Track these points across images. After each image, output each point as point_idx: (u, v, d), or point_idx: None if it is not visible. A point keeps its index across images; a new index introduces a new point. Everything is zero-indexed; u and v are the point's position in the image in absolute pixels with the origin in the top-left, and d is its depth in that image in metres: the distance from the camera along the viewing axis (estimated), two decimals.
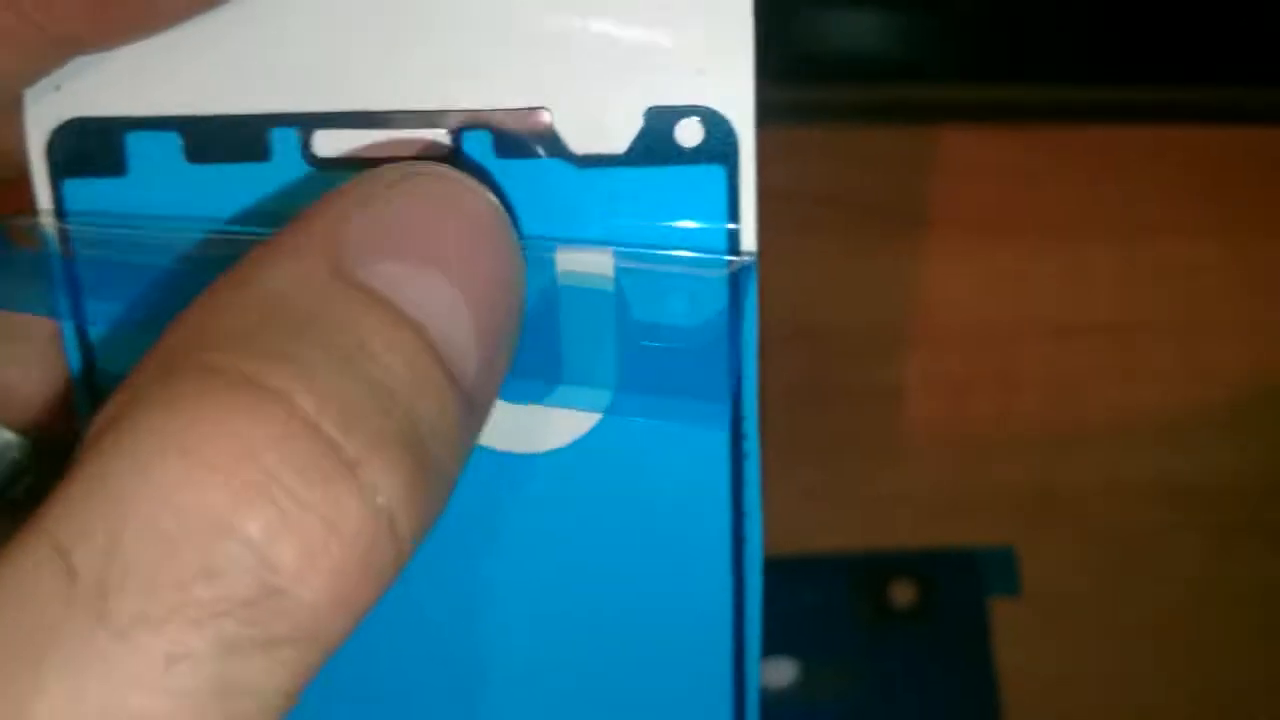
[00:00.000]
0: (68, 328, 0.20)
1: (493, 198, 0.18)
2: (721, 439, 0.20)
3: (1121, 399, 0.52)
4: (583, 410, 0.20)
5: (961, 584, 0.50)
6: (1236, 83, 0.53)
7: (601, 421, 0.20)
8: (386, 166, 0.17)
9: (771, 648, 0.47)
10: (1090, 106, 0.54)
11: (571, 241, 0.19)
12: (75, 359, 0.21)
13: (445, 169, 0.17)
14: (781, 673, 0.49)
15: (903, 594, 0.50)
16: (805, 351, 0.51)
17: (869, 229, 0.53)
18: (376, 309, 0.16)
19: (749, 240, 0.19)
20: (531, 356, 0.19)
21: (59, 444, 0.22)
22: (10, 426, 0.22)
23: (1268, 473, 0.51)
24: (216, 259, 0.19)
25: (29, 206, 0.20)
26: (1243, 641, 0.49)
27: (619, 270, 0.19)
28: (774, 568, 0.46)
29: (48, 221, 0.20)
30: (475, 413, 0.17)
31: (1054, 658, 0.49)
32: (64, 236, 0.19)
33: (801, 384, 0.51)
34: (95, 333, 0.20)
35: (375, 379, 0.16)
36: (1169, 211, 0.53)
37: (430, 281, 0.16)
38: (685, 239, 0.19)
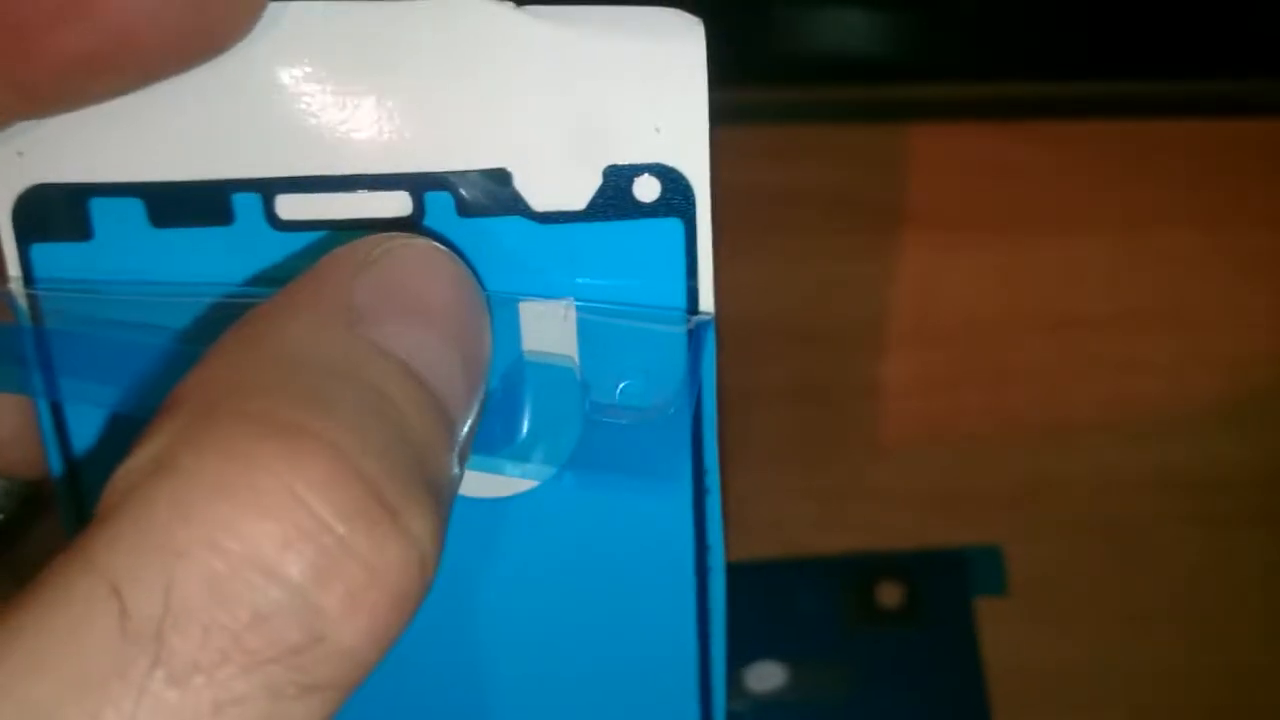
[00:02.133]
0: (42, 405, 0.22)
1: (459, 262, 0.20)
2: (685, 487, 0.22)
3: (1114, 392, 0.54)
4: (542, 479, 0.22)
5: (948, 584, 0.52)
6: (1221, 76, 0.56)
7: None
8: (374, 235, 0.19)
9: (759, 652, 0.49)
10: (1077, 101, 0.57)
11: (534, 294, 0.21)
12: (50, 435, 0.22)
13: (424, 239, 0.19)
14: (769, 677, 0.50)
15: (890, 595, 0.52)
16: (794, 350, 0.53)
17: (858, 227, 0.55)
18: (390, 364, 0.18)
19: (707, 298, 0.21)
20: (493, 426, 0.20)
21: (33, 487, 0.24)
22: None
23: (1263, 463, 0.53)
24: (191, 327, 0.21)
25: None
26: (1239, 634, 0.51)
27: (581, 325, 0.21)
28: (761, 572, 0.49)
29: (19, 293, 0.21)
30: (464, 462, 0.19)
31: (1047, 653, 0.51)
32: (36, 309, 0.21)
33: (790, 383, 0.54)
34: (69, 408, 0.22)
35: (400, 428, 0.17)
36: (1158, 204, 0.55)
37: (429, 340, 0.18)
38: (645, 292, 0.21)
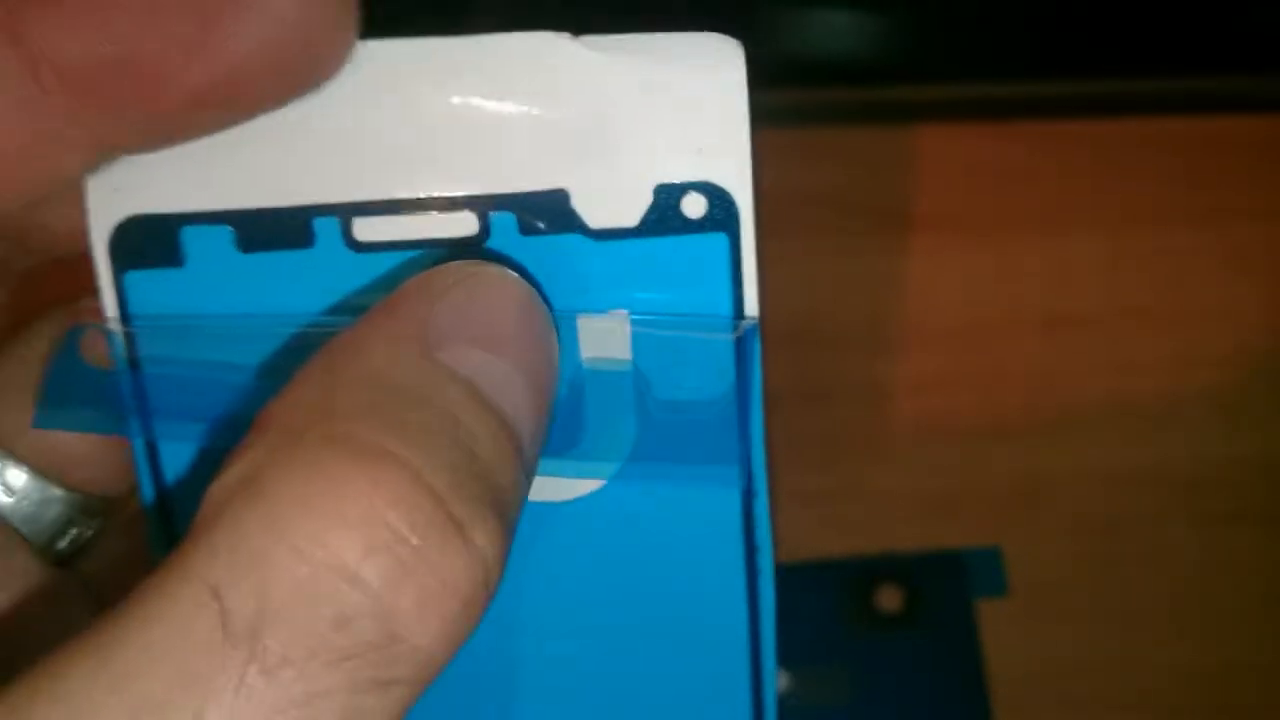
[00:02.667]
0: (137, 444, 0.24)
1: (529, 287, 0.21)
2: (735, 488, 0.24)
3: (1110, 390, 0.55)
4: (603, 479, 0.23)
5: (948, 586, 0.53)
6: (1213, 72, 0.57)
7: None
8: (448, 264, 0.21)
9: None
10: (1069, 100, 0.57)
11: (591, 308, 0.23)
12: (145, 473, 0.24)
13: (495, 266, 0.21)
14: None
15: (889, 599, 0.53)
16: (789, 352, 0.54)
17: (851, 229, 0.56)
18: (463, 388, 0.20)
19: (751, 304, 0.23)
20: (556, 433, 0.22)
21: (105, 502, 0.26)
22: (60, 483, 0.26)
23: (1261, 460, 0.54)
24: (275, 357, 0.23)
25: (90, 294, 0.23)
26: (1239, 632, 0.52)
27: (635, 338, 0.23)
28: None
29: (116, 329, 0.23)
30: (530, 477, 0.21)
31: (1048, 653, 0.52)
32: (131, 344, 0.23)
33: (787, 385, 0.54)
34: (163, 447, 0.24)
35: (469, 449, 0.19)
36: (1152, 201, 0.56)
37: (499, 364, 0.20)
38: (694, 301, 0.23)
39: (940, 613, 0.53)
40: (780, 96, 0.55)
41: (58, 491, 0.26)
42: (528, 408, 0.21)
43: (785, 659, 0.53)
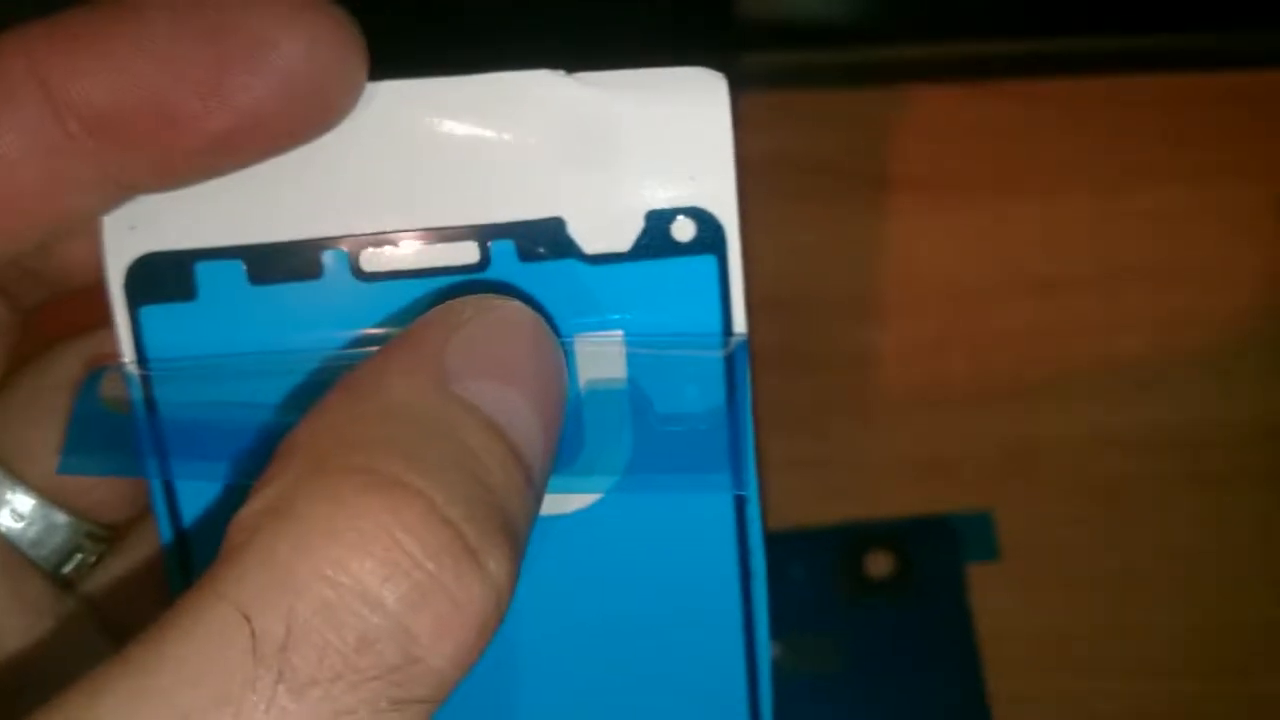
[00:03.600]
0: (155, 484, 0.25)
1: (539, 319, 0.23)
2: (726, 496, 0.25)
3: (1102, 352, 0.56)
4: (603, 492, 0.25)
5: (939, 552, 0.55)
6: (1202, 29, 0.58)
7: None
8: (462, 299, 0.23)
9: None
10: (1056, 58, 0.58)
11: (588, 328, 0.25)
12: (163, 512, 0.26)
13: (504, 299, 0.23)
14: None
15: (880, 565, 0.55)
16: (776, 319, 0.55)
17: (838, 193, 0.57)
18: (476, 420, 0.21)
19: (740, 321, 0.25)
20: (559, 451, 0.24)
21: (110, 527, 0.28)
22: (66, 509, 0.27)
23: (1254, 420, 0.55)
24: (289, 392, 0.24)
25: (102, 327, 0.25)
26: (1233, 592, 0.54)
27: (630, 359, 0.25)
28: None
29: (133, 372, 0.25)
30: (539, 502, 0.23)
31: (1040, 617, 0.54)
32: (148, 389, 0.24)
33: (775, 352, 0.55)
34: (180, 486, 0.25)
35: (482, 479, 0.21)
36: (1141, 161, 0.57)
37: (511, 396, 0.22)
38: (685, 319, 0.25)
39: (931, 578, 0.54)
40: (766, 60, 0.56)
41: (64, 517, 0.27)
42: (538, 437, 0.22)
43: (776, 628, 0.54)
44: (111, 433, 0.25)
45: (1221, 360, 0.56)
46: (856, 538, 0.55)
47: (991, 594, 0.54)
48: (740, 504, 0.26)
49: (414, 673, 0.19)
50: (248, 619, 0.19)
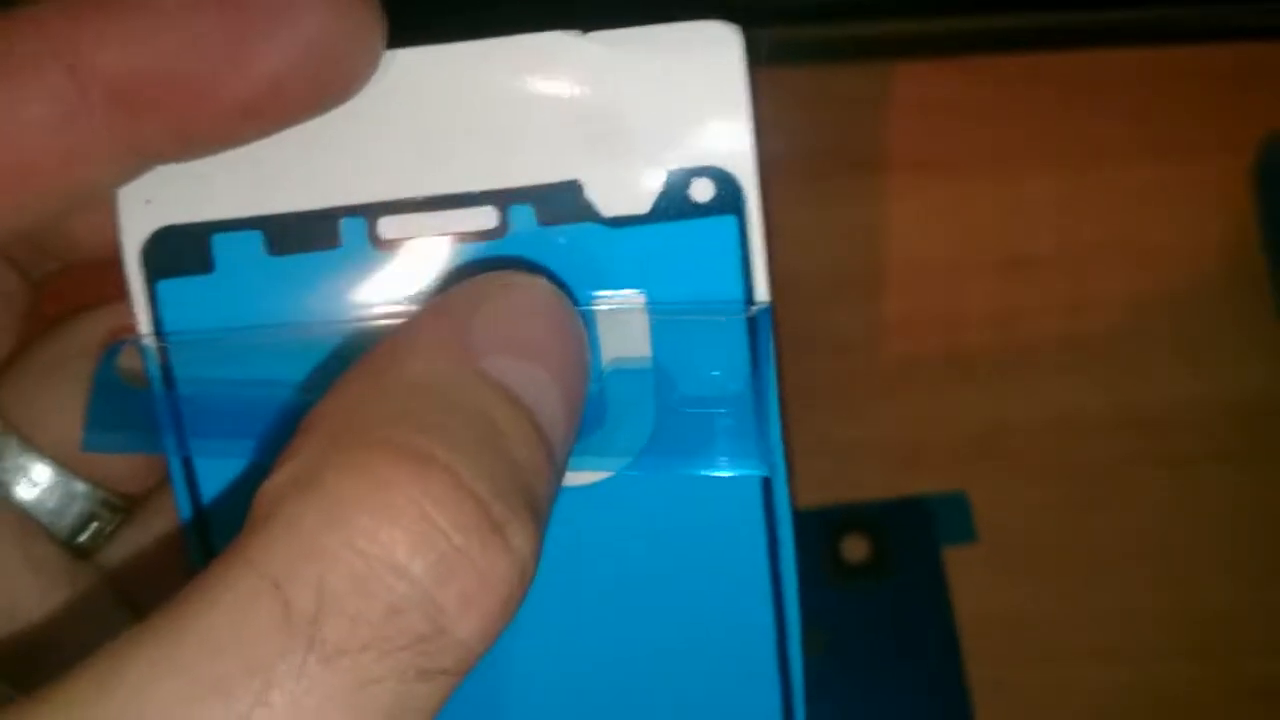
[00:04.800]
0: (174, 460, 0.26)
1: (561, 294, 0.24)
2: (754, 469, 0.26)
3: (1071, 331, 0.57)
4: (624, 470, 0.26)
5: (915, 535, 0.55)
6: (1163, 2, 0.58)
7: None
8: (485, 275, 0.24)
9: None
10: (1016, 34, 0.59)
11: (609, 290, 0.25)
12: (182, 487, 0.26)
13: (528, 276, 0.24)
14: None
15: (857, 549, 0.55)
16: None
17: (797, 173, 0.57)
18: (500, 395, 0.22)
19: (762, 286, 0.26)
20: (581, 426, 0.24)
21: (126, 496, 0.29)
22: (83, 478, 0.28)
23: (1223, 398, 0.56)
24: (307, 366, 0.25)
25: (117, 300, 0.25)
26: (1207, 572, 0.55)
27: (651, 325, 0.25)
28: None
29: (151, 345, 0.25)
30: (561, 478, 0.23)
31: (1016, 597, 0.55)
32: (166, 364, 0.25)
33: None
34: (199, 463, 0.26)
35: (506, 455, 0.22)
36: (1104, 136, 0.58)
37: (534, 372, 0.23)
38: (707, 281, 0.25)
39: (908, 561, 0.55)
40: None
41: (81, 486, 0.28)
42: (561, 413, 0.23)
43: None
44: (131, 409, 0.25)
45: (1190, 338, 0.57)
46: (832, 523, 0.56)
47: (966, 576, 0.55)
48: (768, 479, 0.26)
49: (441, 644, 0.20)
50: (278, 586, 0.19)
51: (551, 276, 0.25)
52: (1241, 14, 0.59)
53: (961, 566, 0.55)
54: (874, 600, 0.55)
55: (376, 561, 0.20)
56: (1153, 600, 0.55)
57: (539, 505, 0.22)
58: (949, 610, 0.55)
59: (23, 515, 0.27)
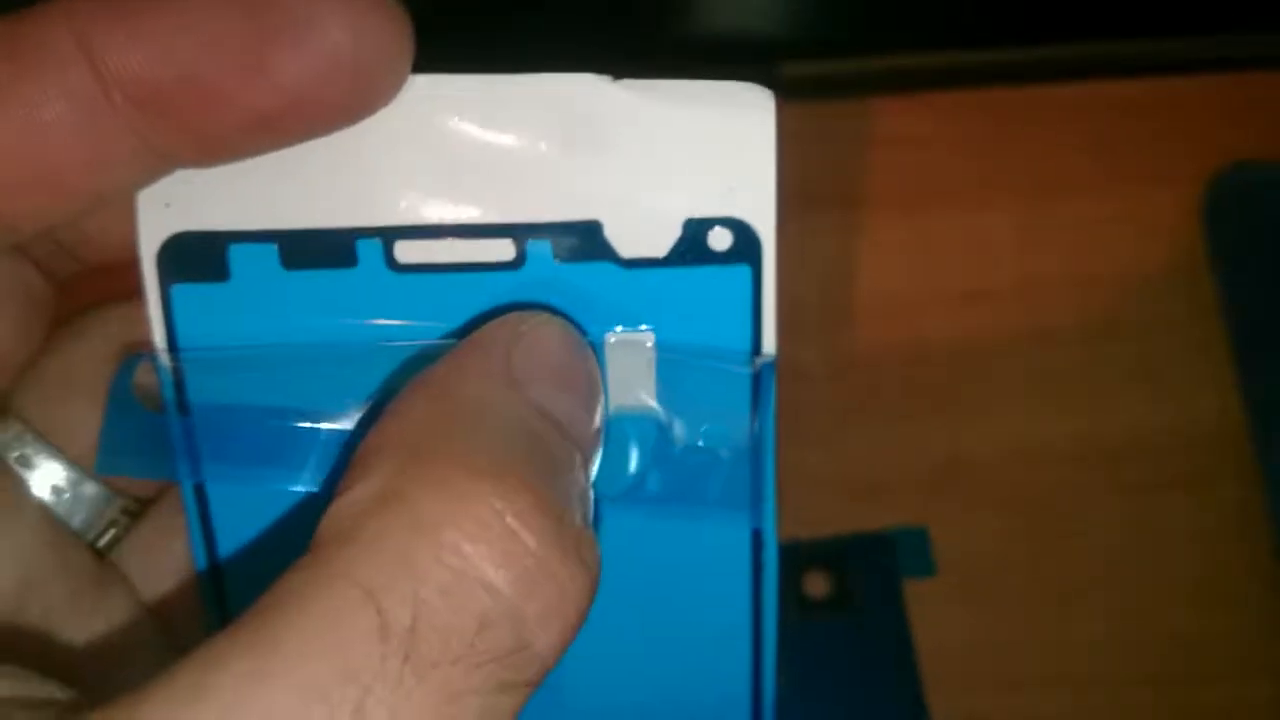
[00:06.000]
0: (186, 487, 0.26)
1: (576, 332, 0.25)
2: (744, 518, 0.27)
3: (1028, 364, 0.58)
4: (620, 510, 0.26)
5: (876, 569, 0.56)
6: (1114, 37, 0.60)
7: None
8: (513, 314, 0.25)
9: None
10: (969, 70, 0.61)
11: (620, 330, 0.26)
12: (193, 514, 0.26)
13: (549, 314, 0.25)
14: None
15: (817, 585, 0.56)
16: None
17: None
18: (547, 420, 0.23)
19: (770, 338, 0.26)
20: None
21: (141, 500, 0.29)
22: (99, 480, 0.28)
23: (1180, 427, 0.57)
24: (323, 386, 0.25)
25: (133, 300, 0.26)
26: (1168, 600, 0.55)
27: (659, 363, 0.26)
28: None
29: (165, 366, 0.25)
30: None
31: (977, 629, 0.55)
32: (180, 385, 0.25)
33: None
34: (211, 488, 0.26)
35: (566, 473, 0.23)
36: (1060, 170, 0.59)
37: (572, 400, 0.24)
38: (717, 328, 0.26)
39: (869, 596, 0.56)
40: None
41: (101, 490, 0.28)
42: (591, 439, 0.24)
43: None
44: (145, 433, 0.25)
45: (1147, 368, 0.58)
46: (793, 558, 0.56)
47: (927, 609, 0.55)
48: (758, 533, 0.27)
49: (525, 656, 0.21)
50: (372, 598, 0.20)
51: (565, 312, 0.26)
52: (1187, 48, 0.61)
53: (922, 598, 0.56)
54: (836, 634, 0.55)
55: (465, 575, 0.21)
56: (1113, 627, 0.55)
57: (591, 523, 0.23)
58: (910, 642, 0.55)
59: (47, 517, 0.28)
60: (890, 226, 0.59)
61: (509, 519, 0.21)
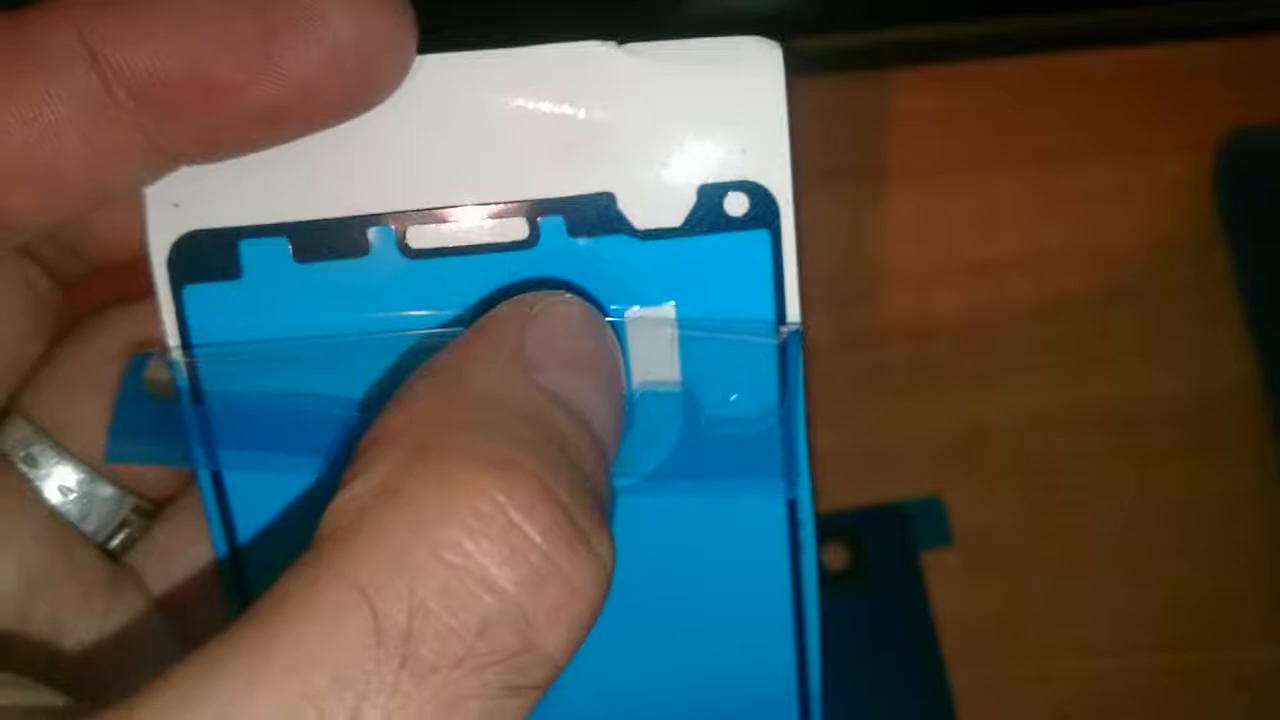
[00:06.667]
0: (203, 475, 0.26)
1: (596, 311, 0.24)
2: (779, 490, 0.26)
3: (1038, 333, 0.58)
4: (652, 493, 0.26)
5: (893, 541, 0.56)
6: (1121, 4, 0.60)
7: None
8: (526, 295, 0.24)
9: None
10: (975, 41, 0.60)
11: (639, 304, 0.26)
12: (211, 503, 0.26)
13: (565, 294, 0.24)
14: None
15: (835, 558, 0.56)
16: None
17: None
18: (560, 406, 0.23)
19: (793, 305, 0.26)
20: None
21: (155, 501, 0.29)
22: (112, 482, 0.28)
23: (1190, 393, 0.58)
24: (340, 385, 0.25)
25: (144, 300, 0.25)
26: (1181, 566, 0.56)
27: (681, 340, 0.25)
28: None
29: (178, 358, 0.25)
30: (612, 486, 0.24)
31: (994, 598, 0.56)
32: (194, 375, 0.25)
33: None
34: (229, 476, 0.26)
35: (577, 463, 0.22)
36: (1067, 140, 0.59)
37: (586, 385, 0.23)
38: (738, 296, 0.26)
39: (886, 567, 0.56)
40: None
41: (111, 491, 0.28)
42: (611, 424, 0.24)
43: None
44: (157, 420, 0.25)
45: (1156, 336, 0.58)
46: None
47: (944, 580, 0.56)
48: (794, 502, 0.27)
49: (531, 658, 0.20)
50: (367, 599, 0.19)
51: (583, 289, 0.25)
52: (1193, 14, 0.61)
53: (939, 569, 0.56)
54: (855, 607, 0.56)
55: (466, 574, 0.20)
56: (1129, 594, 0.56)
57: (607, 513, 0.22)
58: (928, 613, 0.55)
59: (57, 520, 0.28)
60: (899, 198, 0.59)
61: (513, 513, 0.20)
